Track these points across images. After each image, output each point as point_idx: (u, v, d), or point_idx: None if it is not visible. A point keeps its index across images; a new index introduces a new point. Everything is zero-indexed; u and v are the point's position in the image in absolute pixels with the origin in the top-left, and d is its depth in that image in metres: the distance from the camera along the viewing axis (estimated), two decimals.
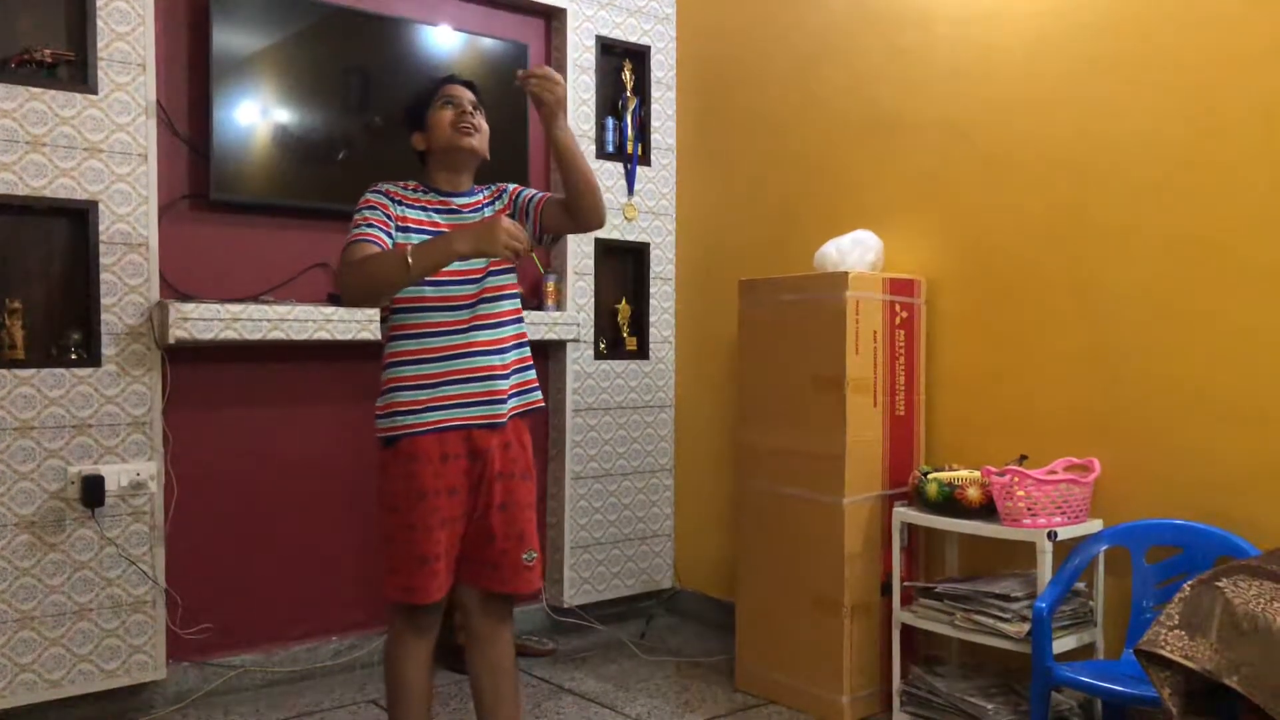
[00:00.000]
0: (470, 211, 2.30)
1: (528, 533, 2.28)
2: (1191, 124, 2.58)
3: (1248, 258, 2.48)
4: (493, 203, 2.35)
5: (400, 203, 2.22)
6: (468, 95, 2.27)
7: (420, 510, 2.17)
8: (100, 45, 2.83)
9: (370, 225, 2.15)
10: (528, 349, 2.33)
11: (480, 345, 2.21)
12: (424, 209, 2.25)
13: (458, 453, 2.19)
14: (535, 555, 2.29)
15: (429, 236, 2.19)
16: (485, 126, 2.28)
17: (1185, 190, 2.59)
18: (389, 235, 2.16)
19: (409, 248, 2.04)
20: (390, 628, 2.28)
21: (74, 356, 2.83)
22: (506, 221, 2.03)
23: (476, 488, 2.22)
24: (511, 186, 2.40)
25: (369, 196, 2.23)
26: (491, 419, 2.21)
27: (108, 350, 2.86)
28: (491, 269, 2.25)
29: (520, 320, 2.32)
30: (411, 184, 2.29)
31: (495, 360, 2.22)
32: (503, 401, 2.22)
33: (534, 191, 2.38)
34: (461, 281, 2.21)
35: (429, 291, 2.18)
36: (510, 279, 2.30)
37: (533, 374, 2.33)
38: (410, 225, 2.20)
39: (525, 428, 2.33)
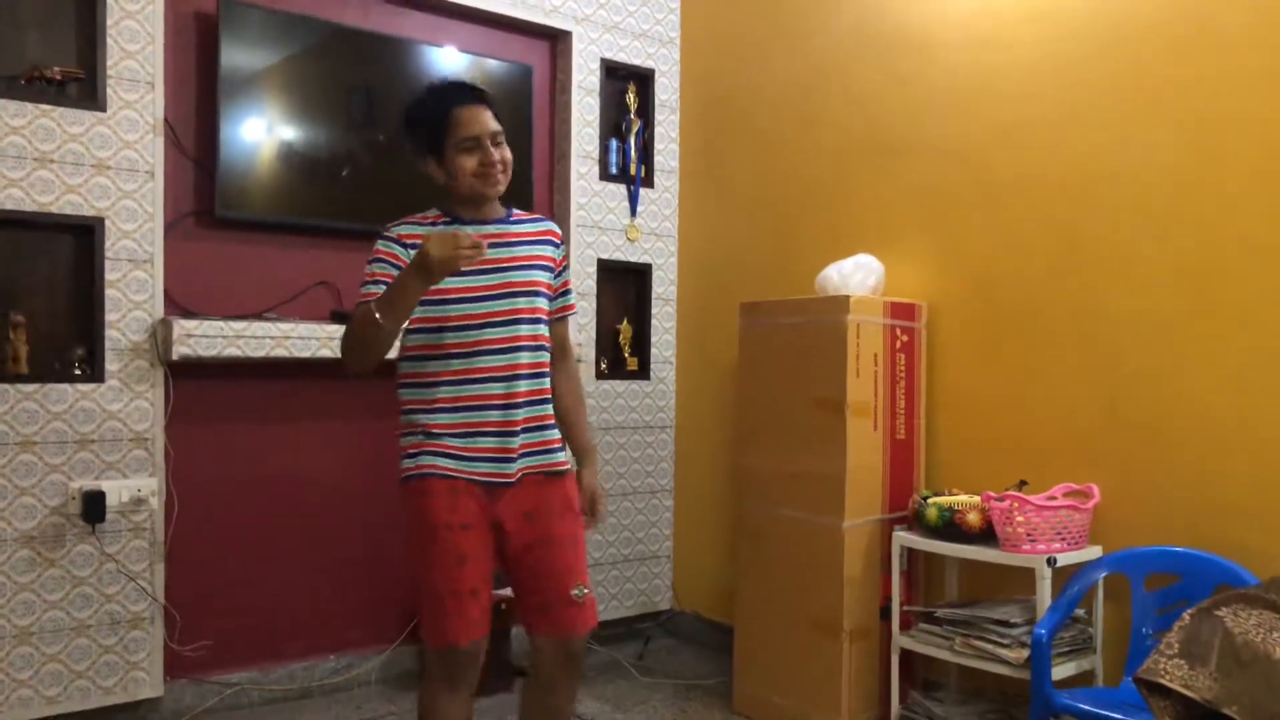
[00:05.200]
0: (507, 242, 2.15)
1: (575, 567, 2.15)
2: (1190, 150, 2.59)
3: (1246, 284, 2.49)
4: (547, 243, 2.22)
5: (414, 246, 2.02)
6: (488, 127, 2.11)
7: (435, 547, 2.05)
8: (110, 63, 2.85)
9: (375, 282, 2.05)
10: (549, 407, 2.20)
11: (493, 400, 2.09)
12: None
13: (472, 490, 2.08)
14: (586, 591, 2.14)
15: (456, 276, 2.04)
16: (509, 155, 2.14)
17: (1184, 216, 2.60)
18: None
19: (373, 301, 1.96)
20: (424, 675, 2.16)
21: (77, 372, 2.84)
22: (433, 243, 1.87)
23: (500, 526, 2.11)
24: (564, 250, 2.28)
25: (378, 246, 2.11)
26: (497, 477, 2.09)
27: (111, 366, 2.87)
28: (519, 316, 2.12)
29: (543, 376, 2.18)
30: (431, 215, 2.17)
31: (505, 416, 2.09)
32: (511, 461, 2.10)
33: (569, 286, 2.30)
34: (472, 327, 2.09)
35: (439, 339, 2.09)
36: (538, 330, 2.16)
37: (555, 434, 2.19)
38: None
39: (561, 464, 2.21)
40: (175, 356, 2.85)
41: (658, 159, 4.02)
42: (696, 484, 3.99)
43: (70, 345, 2.86)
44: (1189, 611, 1.95)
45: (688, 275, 4.07)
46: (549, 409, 2.20)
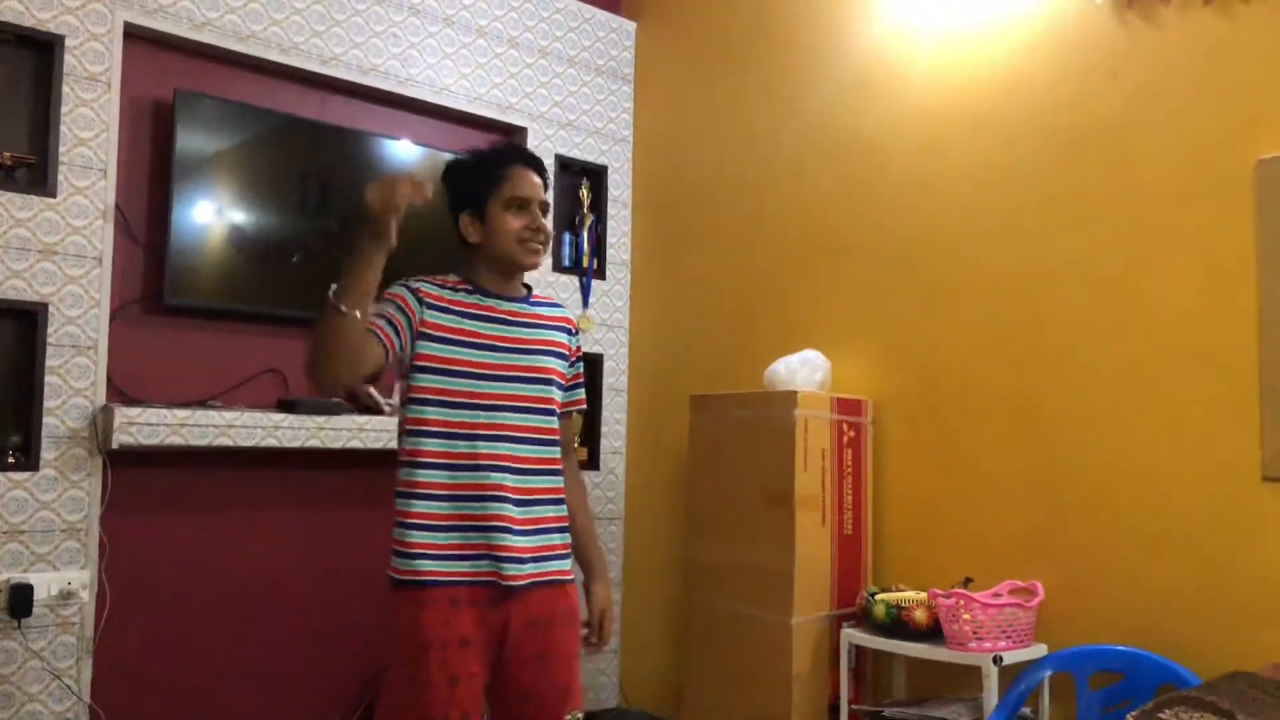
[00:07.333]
0: (524, 324, 2.04)
1: (572, 688, 2.00)
2: (1121, 255, 2.69)
3: (1178, 386, 2.57)
4: (563, 330, 2.11)
5: (430, 305, 1.96)
6: (541, 194, 2.02)
7: (427, 667, 1.87)
8: (62, 150, 2.84)
9: (376, 318, 1.88)
10: (563, 508, 2.06)
11: (502, 490, 1.94)
12: (462, 314, 1.97)
13: (474, 598, 1.92)
14: (580, 717, 1.97)
15: (467, 349, 1.95)
16: (550, 231, 2.03)
17: (1117, 319, 2.69)
18: (396, 335, 1.91)
19: (332, 287, 1.76)
20: None
21: (11, 460, 2.76)
22: (370, 190, 1.71)
23: (501, 635, 1.94)
24: (578, 340, 2.16)
25: (392, 290, 1.96)
26: (506, 580, 1.92)
27: (47, 454, 2.79)
28: (532, 403, 2.00)
29: (556, 474, 2.05)
30: (451, 279, 2.02)
31: (514, 511, 1.95)
32: (520, 562, 1.94)
33: (581, 379, 2.18)
34: (479, 406, 1.95)
35: (441, 415, 1.94)
36: (551, 421, 2.04)
37: (565, 539, 2.05)
38: (444, 334, 1.94)
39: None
40: (115, 445, 2.79)
41: (610, 252, 4.07)
42: (646, 577, 3.95)
43: (5, 433, 2.78)
44: (1132, 715, 1.96)
45: (639, 367, 4.09)
46: (563, 510, 2.06)
